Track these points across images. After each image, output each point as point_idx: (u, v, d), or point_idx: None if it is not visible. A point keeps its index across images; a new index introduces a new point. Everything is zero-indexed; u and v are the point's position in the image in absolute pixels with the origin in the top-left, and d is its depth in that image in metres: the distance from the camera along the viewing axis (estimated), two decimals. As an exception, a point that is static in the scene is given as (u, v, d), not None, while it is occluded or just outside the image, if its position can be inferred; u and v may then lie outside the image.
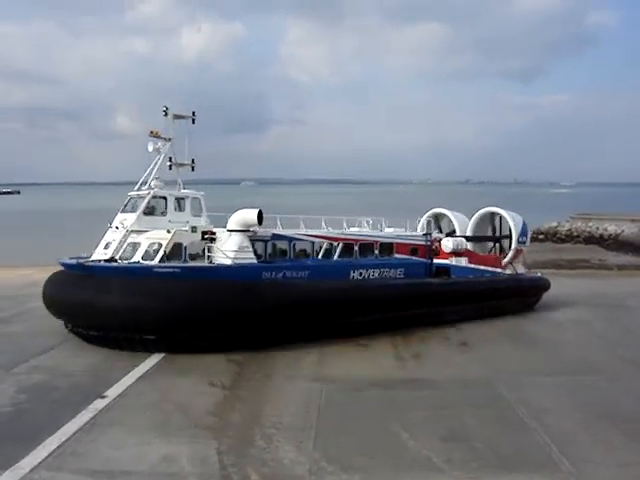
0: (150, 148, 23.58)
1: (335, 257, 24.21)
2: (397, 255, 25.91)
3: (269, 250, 22.85)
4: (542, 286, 29.51)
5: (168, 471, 11.83)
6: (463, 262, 27.39)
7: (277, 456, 12.48)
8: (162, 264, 20.55)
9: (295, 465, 12.06)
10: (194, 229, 21.76)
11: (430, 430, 13.87)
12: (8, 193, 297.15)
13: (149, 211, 22.51)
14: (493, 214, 30.78)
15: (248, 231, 22.02)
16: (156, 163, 23.65)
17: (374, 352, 20.93)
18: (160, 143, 23.62)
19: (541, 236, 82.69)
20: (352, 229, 26.36)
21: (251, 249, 21.94)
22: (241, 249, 21.67)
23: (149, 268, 20.48)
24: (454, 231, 30.95)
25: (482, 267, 28.02)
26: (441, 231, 31.89)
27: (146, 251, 21.14)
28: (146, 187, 23.26)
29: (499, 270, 28.57)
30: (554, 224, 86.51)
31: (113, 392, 16.22)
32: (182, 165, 24.30)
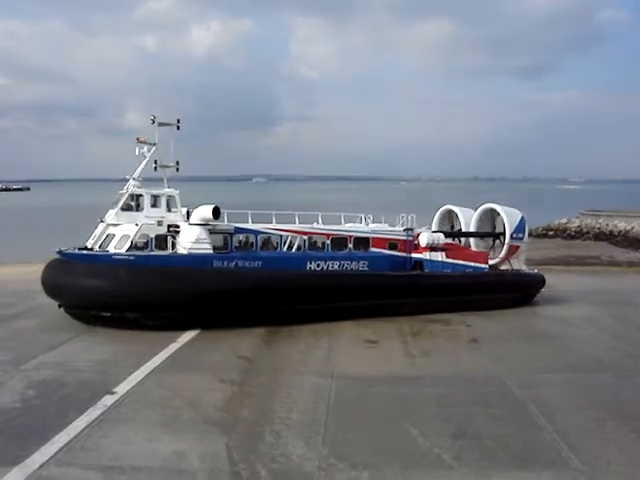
0: (137, 152, 25.70)
1: (303, 250, 25.92)
2: (374, 249, 27.06)
3: (235, 242, 25.03)
4: (530, 283, 29.32)
5: (178, 467, 11.85)
6: (439, 257, 27.51)
7: (286, 452, 12.48)
8: (119, 252, 23.49)
9: (304, 461, 12.06)
10: (160, 223, 24.34)
11: (440, 427, 13.84)
12: (18, 190, 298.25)
13: (127, 207, 24.86)
14: (493, 210, 30.59)
15: (207, 225, 24.27)
16: (152, 164, 25.81)
17: (383, 349, 20.89)
18: (146, 147, 25.78)
19: (551, 232, 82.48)
20: (348, 225, 27.86)
21: (208, 240, 24.18)
22: (198, 240, 23.98)
23: (108, 256, 23.57)
24: (460, 228, 31.22)
25: (462, 262, 27.92)
26: (453, 227, 32.09)
27: (118, 241, 23.92)
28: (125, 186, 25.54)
29: (483, 265, 28.36)
30: (564, 220, 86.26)
31: (122, 388, 16.25)
32: (167, 167, 26.43)
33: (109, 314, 22.75)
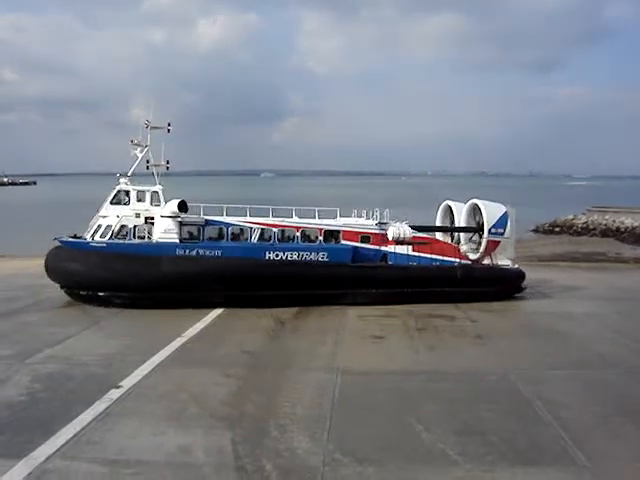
0: (132, 154, 29.07)
1: (273, 241, 27.95)
2: (344, 242, 28.33)
3: (207, 233, 27.81)
4: (504, 278, 29.13)
5: (183, 461, 11.88)
6: (404, 250, 28.04)
7: (291, 446, 12.50)
8: (96, 240, 27.17)
9: (309, 456, 12.07)
10: (138, 215, 27.75)
11: (445, 423, 13.83)
12: (25, 184, 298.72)
13: (116, 201, 28.16)
14: (477, 206, 30.54)
15: (177, 217, 27.27)
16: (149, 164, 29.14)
17: (389, 344, 20.88)
18: (139, 149, 29.02)
19: (557, 229, 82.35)
20: (342, 219, 29.46)
21: (176, 231, 27.22)
22: (166, 231, 27.15)
23: (87, 243, 27.34)
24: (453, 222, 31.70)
25: (429, 255, 28.29)
26: (452, 222, 32.19)
27: (102, 231, 27.38)
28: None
29: (452, 259, 28.57)
30: (570, 217, 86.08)
31: (128, 382, 16.29)
32: (157, 165, 29.36)
33: (85, 293, 26.70)
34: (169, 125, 29.39)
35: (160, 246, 26.89)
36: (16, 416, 14.05)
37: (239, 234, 28.18)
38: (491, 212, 29.17)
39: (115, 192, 28.21)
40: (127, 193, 28.18)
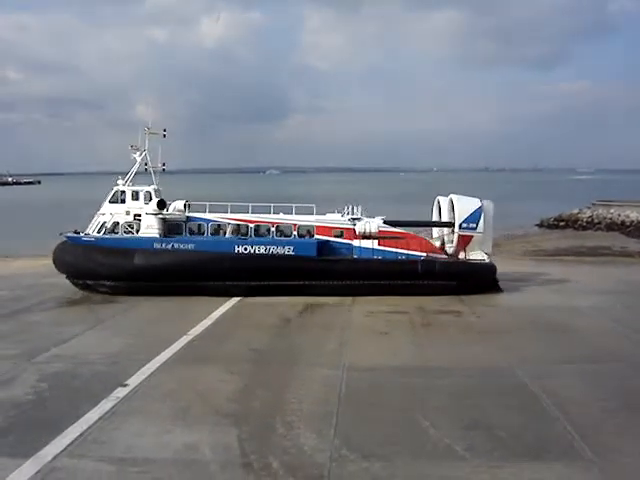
0: (131, 157, 31.69)
1: (249, 235, 30.00)
2: (317, 236, 29.76)
3: (189, 229, 30.47)
4: (469, 272, 29.32)
5: (190, 458, 11.88)
6: (370, 244, 28.97)
7: (298, 443, 12.49)
8: (88, 235, 30.22)
9: (316, 453, 12.07)
10: (128, 212, 30.53)
11: (451, 418, 13.81)
12: (29, 183, 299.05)
13: (114, 200, 30.83)
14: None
15: (159, 214, 29.97)
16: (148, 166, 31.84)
17: (395, 340, 20.87)
18: (138, 153, 31.64)
19: (562, 223, 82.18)
20: (328, 216, 30.88)
21: (157, 227, 29.87)
22: (148, 227, 29.85)
23: (79, 238, 30.27)
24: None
25: (395, 250, 29.02)
26: (440, 216, 32.40)
27: (98, 227, 30.43)
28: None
29: (418, 253, 29.11)
30: (575, 211, 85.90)
31: (134, 381, 16.31)
32: (155, 167, 32.10)
33: (79, 282, 29.72)
34: (164, 131, 32.22)
35: (140, 240, 29.56)
36: (23, 415, 14.08)
37: (218, 229, 30.42)
38: (463, 207, 29.59)
39: (113, 192, 30.93)
40: (123, 193, 30.84)
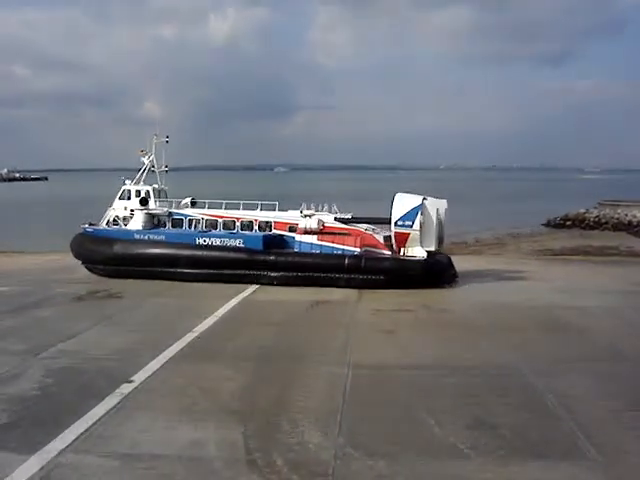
0: (140, 161, 36.03)
1: (219, 229, 33.32)
2: (275, 231, 32.76)
3: (171, 223, 34.31)
4: (396, 268, 30.29)
5: (195, 455, 11.90)
6: (310, 239, 31.39)
7: (302, 441, 12.50)
8: (91, 227, 34.80)
9: (320, 450, 12.07)
10: (125, 208, 34.94)
11: (456, 417, 13.80)
12: (36, 179, 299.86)
13: (121, 197, 35.26)
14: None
15: (144, 209, 34.25)
16: (145, 169, 35.98)
17: (401, 338, 20.86)
18: (146, 157, 35.97)
19: (569, 223, 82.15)
20: (288, 212, 33.53)
21: (142, 220, 34.10)
22: (135, 220, 34.25)
23: (85, 229, 34.77)
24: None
25: (332, 244, 30.95)
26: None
27: (104, 220, 35.11)
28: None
29: (353, 248, 30.63)
30: (582, 210, 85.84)
31: (140, 377, 16.34)
32: (160, 169, 36.40)
33: (84, 265, 34.17)
34: (167, 137, 36.20)
35: (124, 232, 34.00)
36: (28, 411, 14.12)
37: (195, 223, 34.03)
38: (400, 205, 30.47)
39: (121, 191, 35.34)
40: (129, 191, 35.18)
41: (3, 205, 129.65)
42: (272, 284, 30.55)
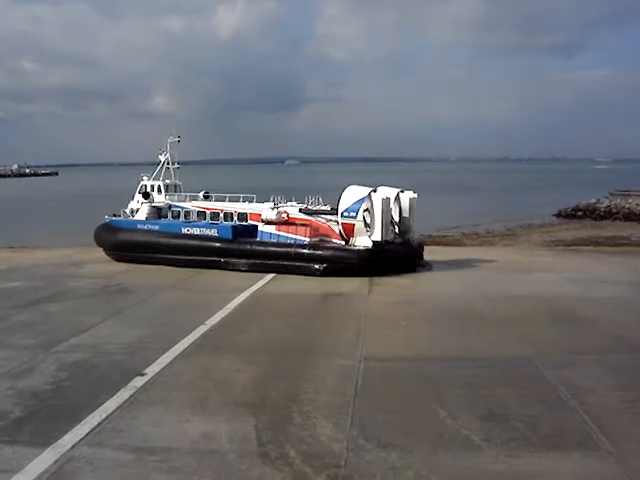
0: (157, 158, 40.26)
1: (207, 220, 36.26)
2: (251, 222, 35.22)
3: (171, 214, 37.92)
4: (332, 257, 31.70)
5: (207, 448, 11.93)
6: (270, 229, 33.61)
7: (314, 433, 12.52)
8: (109, 218, 38.73)
9: (333, 442, 12.08)
10: (138, 201, 38.82)
11: (469, 409, 13.79)
12: (46, 174, 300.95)
13: (140, 192, 39.08)
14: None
15: (148, 202, 38.15)
16: (161, 167, 40.20)
17: (412, 330, 20.82)
18: (162, 155, 40.13)
19: (580, 213, 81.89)
20: (264, 204, 35.67)
21: (146, 212, 37.85)
22: (140, 212, 38.11)
23: (105, 220, 38.66)
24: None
25: (287, 234, 33.12)
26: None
27: (126, 213, 39.11)
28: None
29: (303, 238, 32.70)
30: (593, 201, 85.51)
31: (152, 370, 16.40)
32: (174, 165, 40.66)
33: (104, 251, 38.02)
34: (179, 137, 40.44)
35: (129, 222, 37.69)
36: (42, 405, 14.19)
37: (189, 215, 37.36)
38: (346, 197, 32.18)
39: (140, 186, 39.38)
40: (145, 187, 39.22)
41: (15, 201, 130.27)
42: (240, 270, 32.62)
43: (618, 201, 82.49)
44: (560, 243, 52.47)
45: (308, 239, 32.77)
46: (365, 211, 31.83)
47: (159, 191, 39.12)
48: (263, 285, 28.92)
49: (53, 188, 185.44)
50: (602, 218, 78.47)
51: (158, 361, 17.13)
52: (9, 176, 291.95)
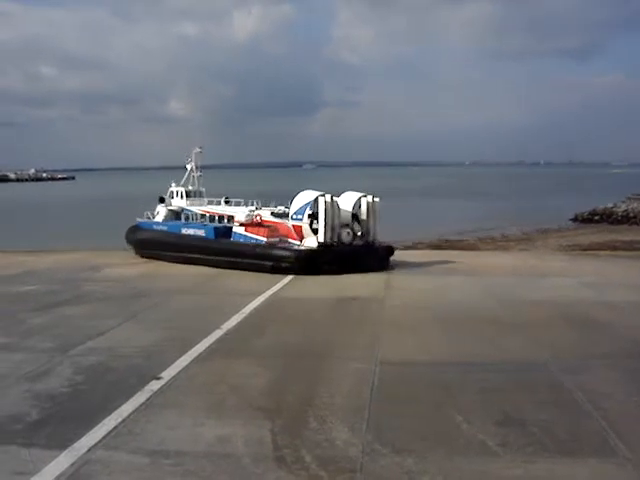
0: (185, 166, 44.34)
1: (208, 223, 39.53)
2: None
3: (184, 217, 41.56)
4: (277, 256, 33.88)
5: (222, 451, 11.92)
6: (239, 230, 36.60)
7: (330, 437, 12.48)
8: (141, 220, 43.41)
9: (348, 447, 12.05)
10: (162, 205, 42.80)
11: (484, 414, 13.73)
12: (63, 179, 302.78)
13: (169, 196, 43.10)
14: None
15: (165, 205, 42.58)
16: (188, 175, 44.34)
17: (427, 335, 20.77)
18: (189, 164, 43.99)
19: (596, 217, 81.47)
20: (249, 208, 39.14)
21: (163, 214, 42.38)
22: (158, 214, 42.78)
23: (136, 222, 43.38)
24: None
25: (251, 235, 35.88)
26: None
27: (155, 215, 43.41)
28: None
29: (261, 238, 35.39)
30: (610, 205, 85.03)
31: (168, 374, 16.43)
32: (198, 173, 44.43)
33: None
34: (200, 148, 44.75)
35: (149, 223, 42.49)
36: (58, 407, 14.25)
37: (197, 218, 40.78)
38: (297, 201, 34.80)
39: (169, 192, 43.13)
40: (172, 192, 43.06)
41: (36, 205, 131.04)
42: (219, 267, 35.26)
43: (635, 205, 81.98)
44: (577, 247, 52.21)
45: (264, 239, 35.27)
46: (310, 215, 34.04)
47: (181, 197, 42.68)
48: (279, 289, 28.96)
49: (69, 194, 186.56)
50: (619, 222, 78.04)
51: (174, 365, 17.16)
52: (26, 180, 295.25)
